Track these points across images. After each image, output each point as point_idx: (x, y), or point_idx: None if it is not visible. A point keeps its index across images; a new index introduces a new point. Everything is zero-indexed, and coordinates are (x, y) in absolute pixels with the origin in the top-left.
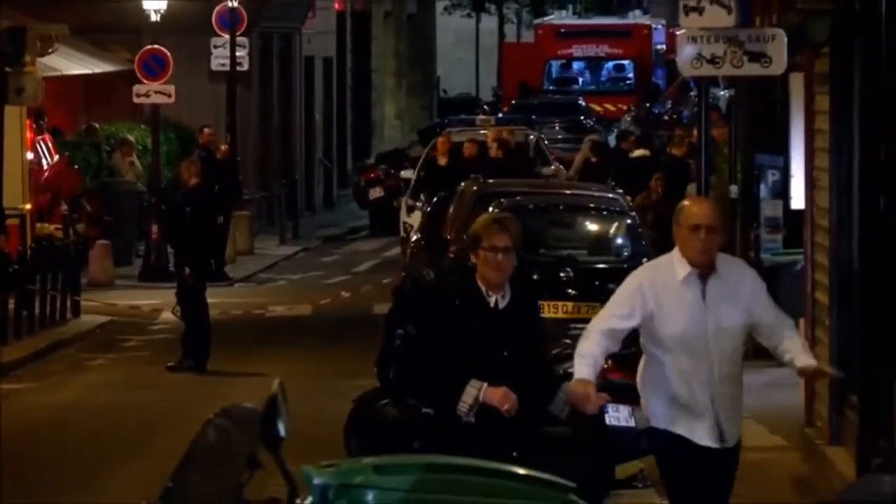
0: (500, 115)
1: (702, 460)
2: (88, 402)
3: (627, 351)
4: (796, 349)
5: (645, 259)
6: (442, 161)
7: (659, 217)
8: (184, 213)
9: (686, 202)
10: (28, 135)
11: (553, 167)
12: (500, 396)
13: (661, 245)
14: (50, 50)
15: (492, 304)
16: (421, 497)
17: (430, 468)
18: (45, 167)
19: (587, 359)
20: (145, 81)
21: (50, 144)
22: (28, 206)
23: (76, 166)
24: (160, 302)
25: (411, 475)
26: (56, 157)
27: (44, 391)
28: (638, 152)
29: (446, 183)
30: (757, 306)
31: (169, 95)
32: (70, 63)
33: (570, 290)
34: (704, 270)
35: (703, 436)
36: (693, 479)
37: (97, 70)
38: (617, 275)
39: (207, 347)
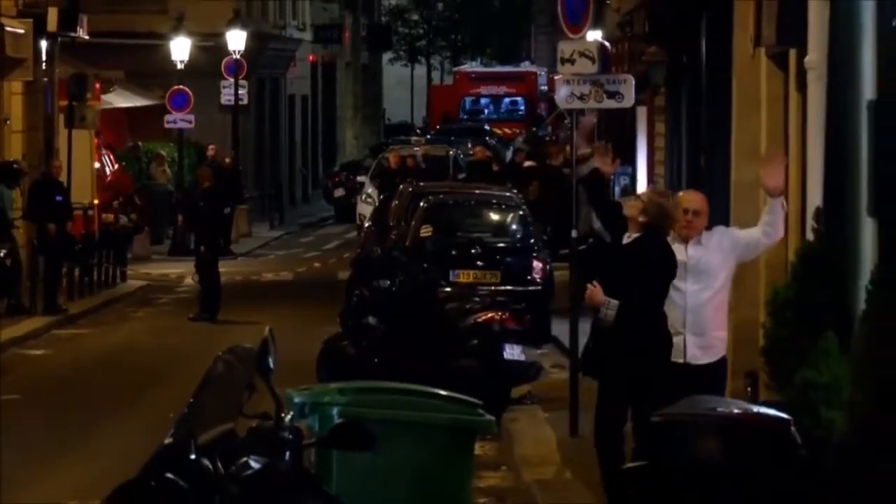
0: (429, 136)
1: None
2: (132, 344)
3: (519, 307)
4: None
5: (532, 240)
6: (393, 167)
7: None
8: (200, 207)
9: (681, 193)
10: (95, 149)
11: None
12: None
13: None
14: (111, 89)
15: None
16: (371, 412)
17: (377, 391)
18: (108, 173)
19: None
20: (173, 112)
21: (111, 156)
22: (95, 202)
23: (130, 172)
24: (183, 271)
25: (364, 395)
26: (115, 166)
27: (99, 335)
28: (528, 163)
29: (392, 184)
30: (728, 242)
31: (190, 122)
32: (120, 98)
33: (478, 262)
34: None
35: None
36: None
37: (139, 104)
38: (512, 252)
39: (218, 304)
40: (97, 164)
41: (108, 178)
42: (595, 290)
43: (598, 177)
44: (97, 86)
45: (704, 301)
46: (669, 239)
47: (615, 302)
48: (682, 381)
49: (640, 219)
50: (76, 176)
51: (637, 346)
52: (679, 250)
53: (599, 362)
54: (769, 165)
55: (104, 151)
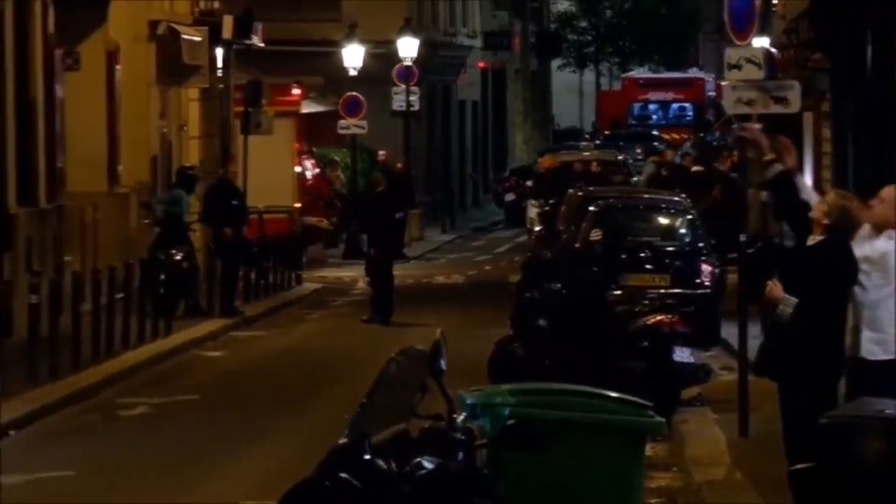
0: (598, 141)
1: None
2: (306, 345)
3: (688, 309)
4: None
5: (701, 244)
6: (544, 171)
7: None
8: (373, 211)
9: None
10: (296, 154)
11: (635, 179)
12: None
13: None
14: (311, 95)
15: None
16: (542, 412)
17: (548, 392)
18: (309, 177)
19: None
20: (347, 118)
21: (312, 160)
22: (297, 205)
23: (333, 176)
24: (356, 274)
25: (534, 397)
26: (316, 171)
27: (274, 337)
28: (696, 168)
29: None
30: None
31: (363, 128)
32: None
33: (647, 266)
34: None
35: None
36: None
37: (314, 110)
38: (681, 255)
39: (391, 307)
40: (298, 169)
41: (309, 183)
42: (775, 286)
43: (787, 178)
44: (299, 92)
45: (885, 296)
46: (863, 232)
47: (793, 299)
48: (855, 376)
49: (824, 221)
50: (280, 180)
51: (812, 346)
52: (868, 244)
53: (775, 362)
54: None
55: (304, 155)
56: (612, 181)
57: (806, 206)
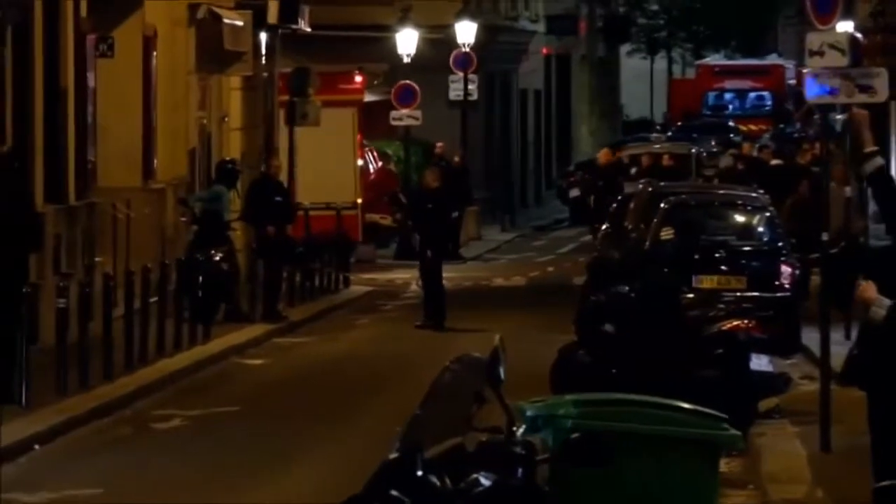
0: (670, 133)
1: None
2: (354, 352)
3: (766, 314)
4: None
5: (780, 244)
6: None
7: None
8: (428, 209)
9: None
10: (358, 147)
11: (711, 172)
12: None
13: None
14: (375, 82)
15: None
16: (609, 425)
17: (616, 402)
18: (371, 171)
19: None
20: (400, 108)
21: (374, 153)
22: (359, 200)
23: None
24: (409, 276)
25: (601, 408)
26: (379, 164)
27: (321, 343)
28: (774, 161)
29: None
30: None
31: (417, 119)
32: None
33: (722, 267)
34: None
35: None
36: None
37: (365, 99)
38: (758, 256)
39: (444, 309)
40: (360, 162)
41: (372, 177)
42: (868, 287)
43: (888, 172)
44: (361, 79)
45: None
46: None
47: (887, 301)
48: None
49: None
50: (341, 173)
51: None
52: None
53: (865, 369)
54: None
55: (368, 147)
56: (684, 176)
57: None
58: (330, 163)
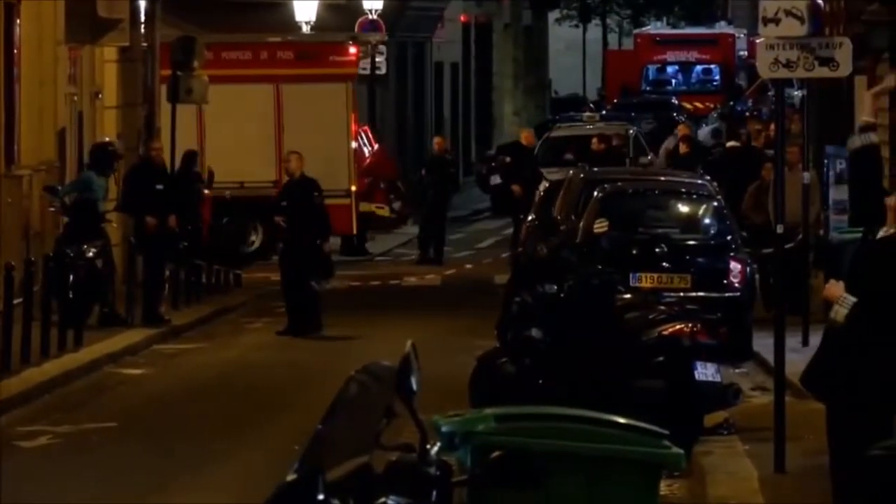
0: (604, 112)
1: None
2: (247, 360)
3: (713, 317)
4: None
5: (729, 237)
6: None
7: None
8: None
9: None
10: (352, 127)
11: (650, 157)
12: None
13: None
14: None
15: None
16: (536, 442)
17: (543, 417)
18: (367, 155)
19: None
20: None
21: (370, 135)
22: (353, 188)
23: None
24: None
25: (527, 423)
26: (375, 146)
27: (209, 350)
28: (730, 143)
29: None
30: None
31: None
32: None
33: (664, 263)
34: None
35: None
36: None
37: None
38: (704, 251)
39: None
40: (354, 145)
41: (367, 161)
42: (835, 285)
43: (877, 152)
44: (356, 50)
45: None
46: None
47: (851, 298)
48: None
49: None
50: (335, 157)
51: (869, 358)
52: None
53: (825, 375)
54: None
55: (363, 128)
56: (620, 161)
57: (882, 191)
58: (319, 145)
